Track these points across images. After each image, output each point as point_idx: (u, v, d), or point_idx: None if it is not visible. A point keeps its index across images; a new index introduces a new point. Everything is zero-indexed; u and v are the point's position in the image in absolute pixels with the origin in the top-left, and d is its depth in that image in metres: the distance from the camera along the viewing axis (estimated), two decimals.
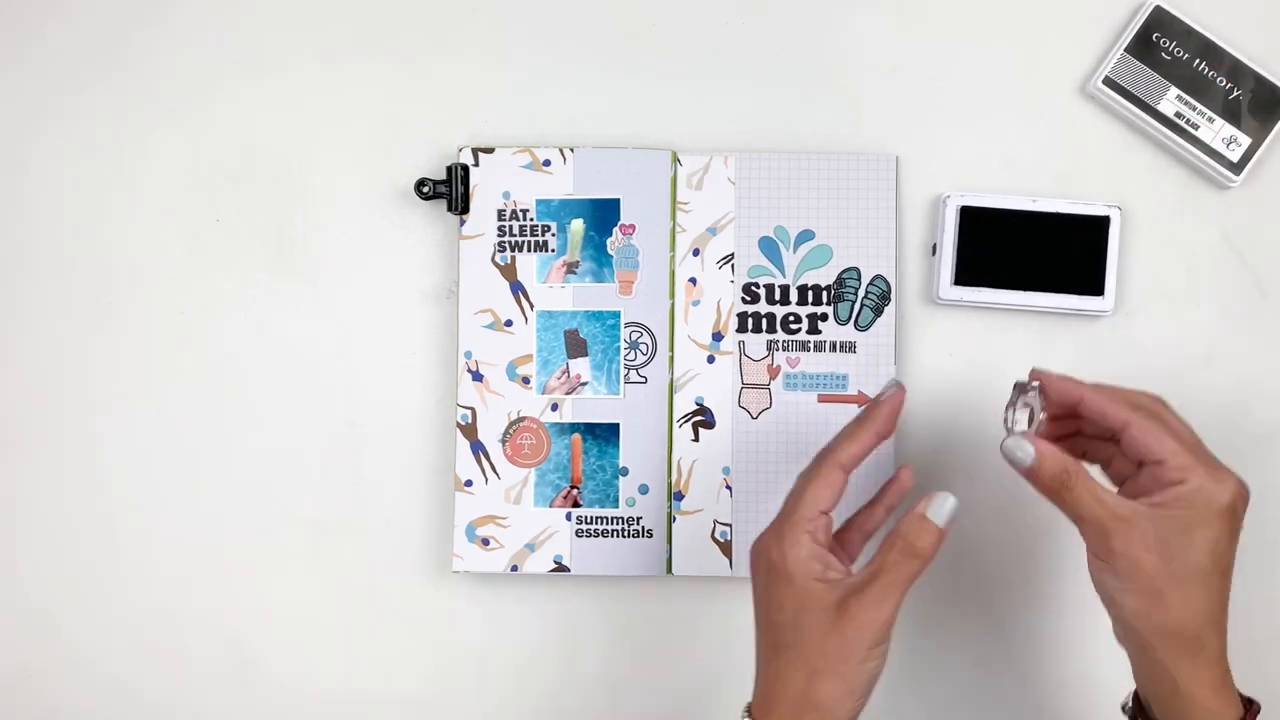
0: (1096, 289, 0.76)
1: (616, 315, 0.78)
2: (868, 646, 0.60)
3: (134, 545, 0.80)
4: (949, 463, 0.79)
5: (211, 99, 0.80)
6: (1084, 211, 0.76)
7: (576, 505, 0.78)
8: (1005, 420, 0.66)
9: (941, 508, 0.63)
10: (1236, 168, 0.77)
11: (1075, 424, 0.66)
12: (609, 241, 0.78)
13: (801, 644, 0.61)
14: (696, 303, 0.78)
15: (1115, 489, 0.64)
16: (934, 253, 0.78)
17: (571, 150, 0.78)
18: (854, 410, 0.77)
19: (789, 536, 0.62)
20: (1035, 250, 0.76)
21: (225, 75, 0.80)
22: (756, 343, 0.78)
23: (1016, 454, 0.62)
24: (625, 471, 0.77)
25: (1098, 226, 0.76)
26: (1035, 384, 0.65)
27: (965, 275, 0.77)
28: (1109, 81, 0.77)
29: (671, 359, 0.78)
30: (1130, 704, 0.66)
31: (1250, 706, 0.61)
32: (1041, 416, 0.65)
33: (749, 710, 0.64)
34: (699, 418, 0.78)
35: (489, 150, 0.78)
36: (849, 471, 0.64)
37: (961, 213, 0.76)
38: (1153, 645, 0.60)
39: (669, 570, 0.78)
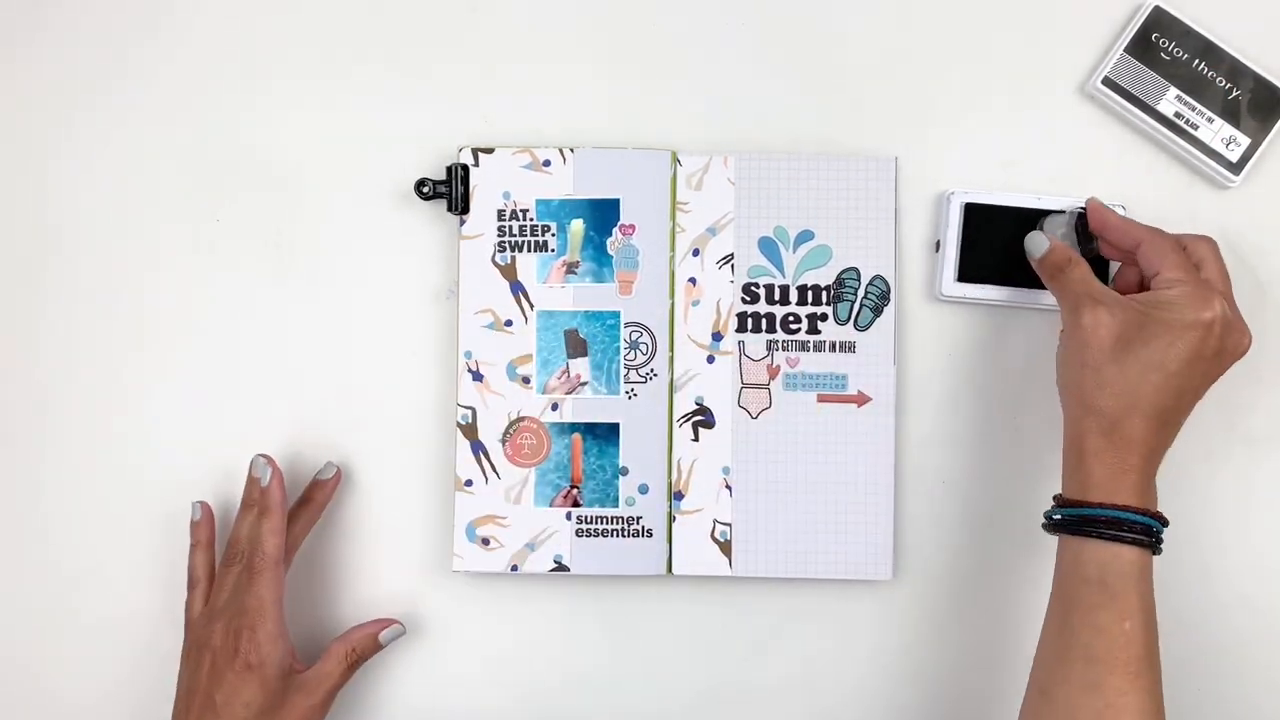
0: None
1: (616, 315, 0.78)
2: None
3: (134, 545, 0.80)
4: (947, 462, 0.79)
5: (212, 99, 0.80)
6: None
7: (576, 505, 0.78)
8: (1039, 224, 0.75)
9: (390, 635, 0.77)
10: (1236, 168, 0.77)
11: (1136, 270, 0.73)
12: (609, 242, 0.78)
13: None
14: (696, 303, 0.78)
15: None
16: (937, 249, 0.78)
17: (571, 150, 0.78)
18: (853, 410, 0.77)
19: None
20: None
21: (225, 75, 0.80)
22: (756, 343, 0.78)
23: (1034, 242, 0.72)
24: (625, 471, 0.78)
25: None
26: (1082, 207, 0.75)
27: (968, 272, 0.77)
28: (1108, 81, 0.77)
29: (671, 359, 0.78)
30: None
31: (1160, 517, 0.67)
32: (1075, 240, 0.75)
33: None
34: (699, 417, 0.78)
35: (489, 150, 0.78)
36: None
37: (965, 209, 0.76)
38: (1075, 415, 0.68)
39: (669, 570, 0.78)
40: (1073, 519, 0.67)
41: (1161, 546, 0.67)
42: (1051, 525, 0.69)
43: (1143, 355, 0.66)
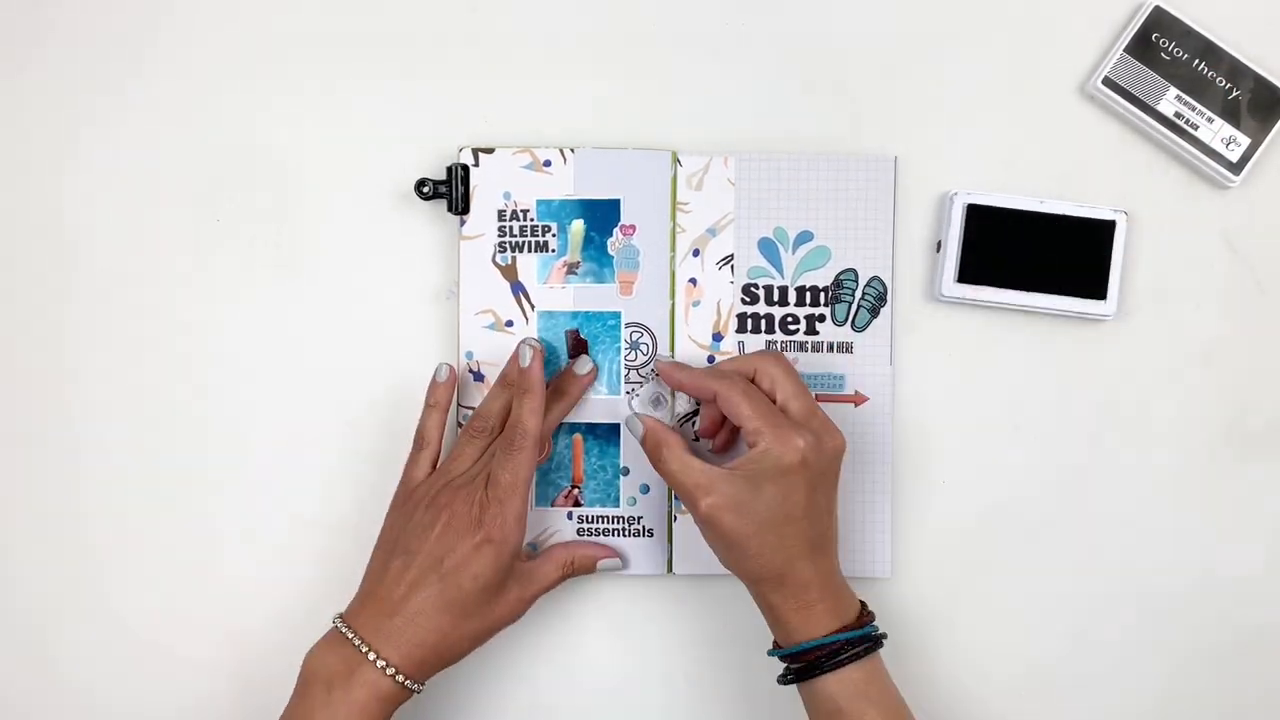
0: (1099, 293, 0.76)
1: (617, 316, 0.78)
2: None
3: (134, 544, 0.80)
4: (946, 462, 0.79)
5: (212, 99, 0.80)
6: (1090, 215, 0.76)
7: (578, 505, 0.78)
8: (629, 402, 0.78)
9: (608, 565, 0.77)
10: (1236, 168, 0.77)
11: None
12: (610, 242, 0.78)
13: None
14: (697, 303, 0.78)
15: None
16: (938, 249, 0.78)
17: (572, 151, 0.78)
18: (851, 410, 0.78)
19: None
20: (1039, 251, 0.76)
21: (226, 75, 0.80)
22: (756, 343, 0.78)
23: (632, 426, 0.73)
24: (626, 471, 0.78)
25: (1103, 230, 0.76)
26: (655, 371, 0.77)
27: (969, 273, 0.77)
28: (1108, 82, 0.77)
29: (672, 359, 0.78)
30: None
31: (862, 612, 0.70)
32: (668, 397, 0.77)
33: None
34: (695, 417, 0.78)
35: (489, 150, 0.78)
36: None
37: (968, 210, 0.76)
38: (748, 585, 0.71)
39: (669, 570, 0.78)
40: (799, 665, 0.69)
41: (883, 641, 0.70)
42: (786, 680, 0.70)
43: (767, 514, 0.68)
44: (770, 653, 0.71)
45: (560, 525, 0.78)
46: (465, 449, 0.74)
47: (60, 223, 0.80)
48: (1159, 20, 0.77)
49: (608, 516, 0.78)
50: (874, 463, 0.78)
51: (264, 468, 0.80)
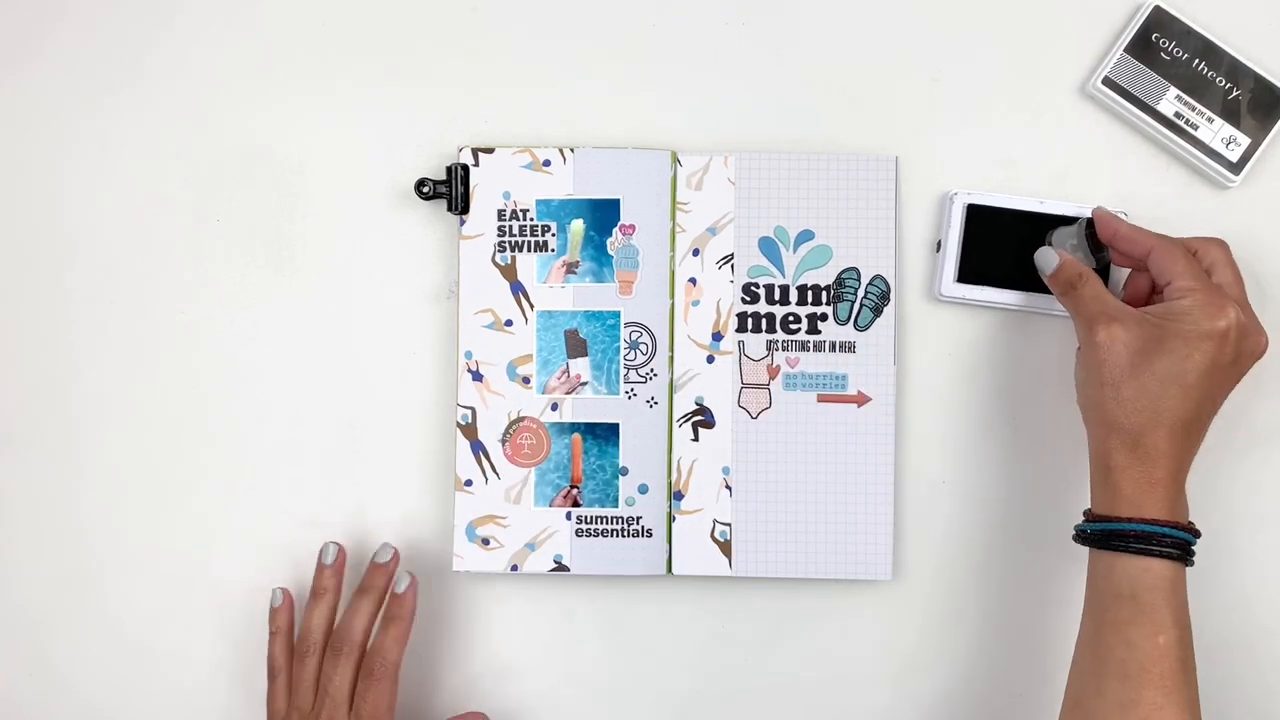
0: None
1: (616, 315, 0.78)
2: None
3: (133, 545, 0.80)
4: (947, 462, 0.79)
5: (212, 99, 0.80)
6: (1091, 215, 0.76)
7: (576, 505, 0.78)
8: (1047, 239, 0.75)
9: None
10: (1236, 168, 0.77)
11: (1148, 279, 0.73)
12: (609, 242, 0.78)
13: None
14: (696, 303, 0.78)
15: None
16: (938, 249, 0.78)
17: (571, 150, 0.78)
18: (853, 410, 0.77)
19: None
20: None
21: (226, 75, 0.80)
22: (756, 343, 0.78)
23: (1044, 258, 0.72)
24: (625, 471, 0.78)
25: None
26: (1088, 216, 0.74)
27: (968, 273, 0.77)
28: (1108, 82, 0.77)
29: (671, 359, 0.78)
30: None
31: (1191, 526, 0.67)
32: (1084, 253, 0.74)
33: None
34: (699, 417, 0.78)
35: (489, 150, 0.78)
36: None
37: (968, 210, 0.76)
38: (1099, 434, 0.68)
39: (669, 570, 0.78)
40: (1101, 534, 0.67)
41: (1193, 559, 0.66)
42: (1081, 539, 0.68)
43: (1160, 369, 0.66)
44: (1084, 518, 0.69)
45: (559, 526, 0.78)
46: (302, 676, 0.73)
47: (59, 222, 0.80)
48: (1159, 20, 0.77)
49: (606, 517, 0.78)
50: (875, 463, 0.77)
51: (263, 467, 0.80)
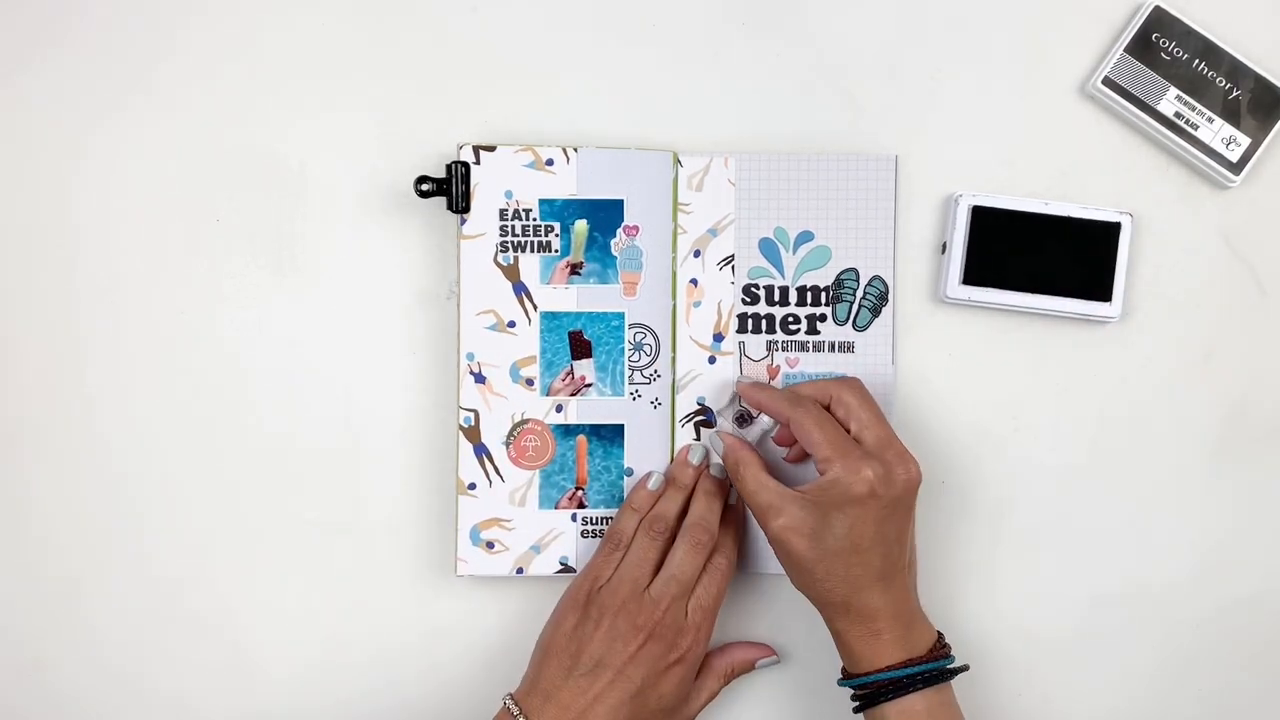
0: (1104, 295, 0.77)
1: (621, 316, 0.77)
2: None
3: (133, 546, 0.79)
4: (947, 462, 0.79)
5: (212, 98, 0.79)
6: (1095, 216, 0.76)
7: (582, 506, 0.77)
8: (715, 416, 0.78)
9: (766, 663, 0.79)
10: (1236, 168, 0.77)
11: None
12: (613, 243, 0.77)
13: None
14: (698, 304, 0.78)
15: None
16: (943, 251, 0.78)
17: (575, 150, 0.77)
18: None
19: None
20: (1044, 253, 0.77)
21: (225, 75, 0.79)
22: (756, 343, 0.78)
23: (714, 443, 0.76)
24: (630, 472, 0.77)
25: (1108, 232, 0.76)
26: (735, 393, 0.78)
27: (974, 275, 0.77)
28: (1108, 82, 0.77)
29: (673, 360, 0.78)
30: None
31: (937, 644, 0.71)
32: (752, 414, 0.77)
33: None
34: (701, 418, 0.78)
35: (490, 148, 0.77)
36: None
37: (973, 212, 0.76)
38: (819, 608, 0.72)
39: None
40: (865, 694, 0.70)
41: (952, 671, 0.70)
42: (857, 708, 0.71)
43: (834, 546, 0.68)
44: (840, 682, 0.72)
45: (565, 528, 0.77)
46: (648, 553, 0.73)
47: (63, 223, 0.79)
48: (1159, 20, 0.77)
49: (612, 518, 0.77)
50: None
51: (263, 469, 0.79)
